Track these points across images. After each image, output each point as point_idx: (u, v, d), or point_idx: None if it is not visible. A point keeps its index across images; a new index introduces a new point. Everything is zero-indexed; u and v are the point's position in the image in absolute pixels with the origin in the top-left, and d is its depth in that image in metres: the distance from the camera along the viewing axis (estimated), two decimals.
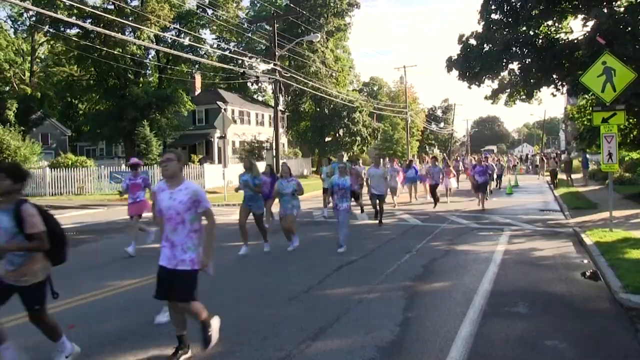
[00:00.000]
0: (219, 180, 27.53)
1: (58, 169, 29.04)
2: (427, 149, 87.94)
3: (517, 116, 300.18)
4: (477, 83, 19.44)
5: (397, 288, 7.53)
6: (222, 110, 37.33)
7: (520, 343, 5.29)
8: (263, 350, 5.16)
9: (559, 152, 52.46)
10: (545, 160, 37.84)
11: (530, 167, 49.70)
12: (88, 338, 5.58)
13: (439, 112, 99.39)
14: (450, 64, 19.24)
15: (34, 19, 40.17)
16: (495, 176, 26.26)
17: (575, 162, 34.15)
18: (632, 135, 18.74)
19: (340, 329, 5.79)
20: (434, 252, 10.41)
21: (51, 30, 38.45)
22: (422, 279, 8.17)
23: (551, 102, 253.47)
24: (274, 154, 31.23)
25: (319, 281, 7.95)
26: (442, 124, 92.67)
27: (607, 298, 6.96)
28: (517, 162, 51.30)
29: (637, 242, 10.00)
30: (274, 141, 31.36)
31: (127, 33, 36.04)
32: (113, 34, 23.98)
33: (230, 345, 5.29)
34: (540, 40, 18.32)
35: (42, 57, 57.13)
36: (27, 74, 54.99)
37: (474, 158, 29.32)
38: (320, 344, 5.32)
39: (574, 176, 29.04)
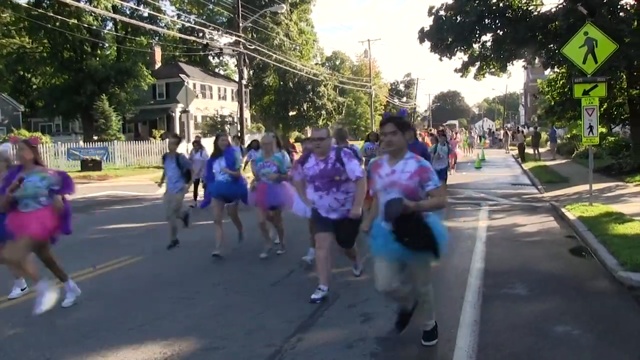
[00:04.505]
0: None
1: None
2: None
3: (477, 91, 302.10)
4: (448, 55, 19.06)
5: None
6: (185, 83, 36.05)
7: (529, 329, 4.88)
8: (250, 345, 4.59)
9: (519, 128, 52.80)
10: (511, 134, 38.04)
11: (494, 141, 50.06)
12: (47, 336, 4.93)
13: (401, 87, 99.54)
14: (423, 35, 18.75)
15: None
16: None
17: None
18: (601, 110, 18.67)
19: (333, 317, 5.27)
20: None
21: None
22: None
23: (511, 77, 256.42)
24: (239, 129, 30.40)
25: (300, 264, 7.41)
26: (404, 99, 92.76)
27: (605, 276, 6.64)
28: (475, 137, 50.69)
29: (621, 217, 9.79)
30: (239, 115, 30.47)
31: (82, 2, 34.13)
32: (68, 1, 22.50)
33: (213, 340, 4.72)
34: (513, 12, 17.98)
35: None
36: None
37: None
38: (313, 337, 4.78)
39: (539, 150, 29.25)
